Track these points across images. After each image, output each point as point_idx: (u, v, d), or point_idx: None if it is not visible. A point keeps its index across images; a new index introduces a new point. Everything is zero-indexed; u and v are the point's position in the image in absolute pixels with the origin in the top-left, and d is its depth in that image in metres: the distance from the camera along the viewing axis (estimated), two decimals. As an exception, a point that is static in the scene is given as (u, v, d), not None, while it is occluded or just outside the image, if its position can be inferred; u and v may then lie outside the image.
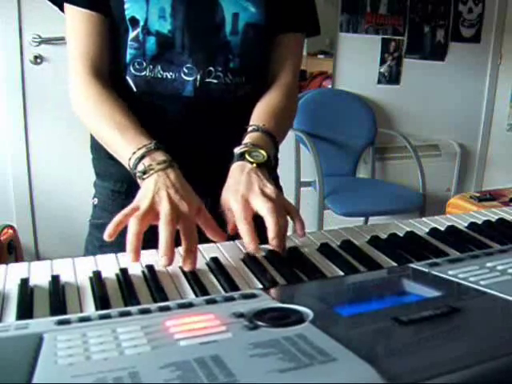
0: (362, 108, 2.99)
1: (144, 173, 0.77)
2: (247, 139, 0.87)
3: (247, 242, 0.70)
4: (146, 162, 0.78)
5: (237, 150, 0.84)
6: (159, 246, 0.67)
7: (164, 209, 0.70)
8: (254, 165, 0.81)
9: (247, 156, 0.82)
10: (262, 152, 0.83)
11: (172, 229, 0.68)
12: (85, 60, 0.90)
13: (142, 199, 0.73)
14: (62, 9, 0.93)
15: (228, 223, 0.77)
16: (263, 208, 0.73)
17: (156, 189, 0.73)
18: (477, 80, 3.36)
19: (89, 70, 0.90)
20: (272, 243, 0.71)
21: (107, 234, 0.68)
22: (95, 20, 0.90)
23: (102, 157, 0.98)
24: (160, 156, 0.79)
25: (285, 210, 0.77)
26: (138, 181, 0.78)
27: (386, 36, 3.04)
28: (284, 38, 1.00)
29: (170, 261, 0.66)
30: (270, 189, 0.77)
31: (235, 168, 0.82)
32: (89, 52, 0.90)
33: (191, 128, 0.95)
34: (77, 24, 0.91)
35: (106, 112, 0.86)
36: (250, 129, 0.90)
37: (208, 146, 0.96)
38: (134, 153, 0.79)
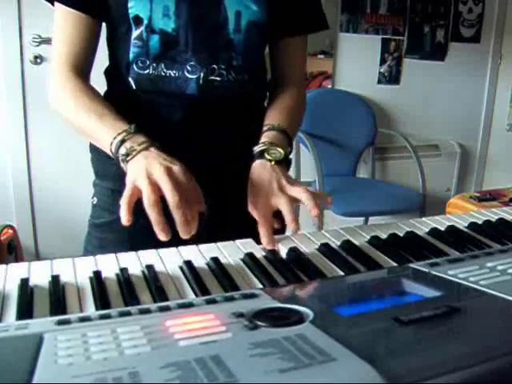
0: (362, 108, 2.99)
1: (127, 155, 0.79)
2: (264, 138, 0.91)
3: (265, 243, 0.77)
4: (128, 144, 0.80)
5: (256, 149, 0.89)
6: (179, 227, 0.70)
7: (162, 179, 0.72)
8: (273, 162, 0.86)
9: (266, 154, 0.87)
10: (280, 150, 0.88)
11: (178, 193, 0.71)
12: (65, 58, 0.91)
13: (136, 178, 0.74)
14: (53, 4, 0.93)
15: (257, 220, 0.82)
16: (280, 200, 0.80)
17: (145, 164, 0.75)
18: (477, 80, 3.36)
19: (69, 68, 0.91)
20: (290, 226, 0.78)
21: (126, 220, 0.70)
22: (81, 20, 0.90)
23: (100, 156, 0.98)
24: (140, 138, 0.81)
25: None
26: (122, 164, 0.80)
27: (386, 36, 3.04)
28: (292, 40, 1.01)
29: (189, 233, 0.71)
30: (287, 183, 0.83)
31: (256, 166, 0.87)
32: (71, 51, 0.91)
33: (194, 126, 0.95)
34: (63, 23, 0.91)
35: (83, 101, 0.88)
36: (265, 128, 0.94)
37: (211, 144, 0.96)
38: (115, 138, 0.81)
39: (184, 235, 0.71)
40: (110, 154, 0.83)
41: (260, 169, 0.86)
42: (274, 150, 0.88)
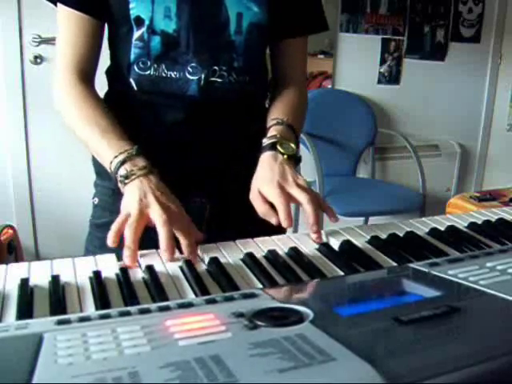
0: (362, 108, 2.99)
1: (126, 177, 0.79)
2: (274, 131, 0.90)
3: (283, 218, 0.76)
4: (128, 167, 0.80)
5: (266, 141, 0.88)
6: (160, 244, 0.70)
7: (156, 211, 0.73)
8: (285, 156, 0.85)
9: (279, 147, 0.86)
10: (292, 145, 0.88)
11: (169, 227, 0.72)
12: (69, 59, 0.91)
13: (130, 205, 0.75)
14: (56, 5, 0.93)
15: (258, 210, 0.81)
16: (301, 197, 0.78)
17: (142, 193, 0.76)
18: (477, 80, 3.36)
19: (73, 70, 0.91)
20: (312, 229, 0.76)
21: (111, 242, 0.72)
22: (84, 22, 0.90)
23: None
24: (141, 162, 0.80)
25: None
26: (120, 185, 0.80)
27: (385, 36, 3.04)
28: (293, 41, 1.02)
29: (172, 255, 0.70)
30: (302, 180, 0.82)
31: (267, 157, 0.85)
32: (74, 52, 0.91)
33: (194, 127, 0.95)
34: (66, 23, 0.91)
35: (86, 112, 0.88)
36: (273, 122, 0.93)
37: (212, 144, 0.97)
38: (116, 157, 0.81)
39: (164, 254, 0.70)
40: (109, 172, 0.83)
41: (272, 159, 0.85)
42: (286, 144, 0.87)
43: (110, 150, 0.82)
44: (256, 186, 0.83)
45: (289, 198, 0.79)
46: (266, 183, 0.82)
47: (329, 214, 0.83)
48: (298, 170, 0.86)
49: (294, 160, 0.87)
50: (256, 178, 0.84)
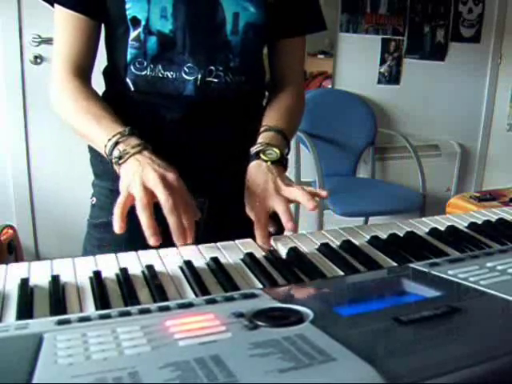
0: (362, 108, 2.99)
1: (120, 158, 0.79)
2: (261, 139, 0.91)
3: (258, 234, 0.77)
4: (121, 147, 0.80)
5: (252, 150, 0.89)
6: (173, 234, 0.71)
7: (157, 186, 0.73)
8: (269, 163, 0.86)
9: (262, 155, 0.87)
10: (276, 150, 0.88)
11: (177, 213, 0.72)
12: (66, 59, 0.92)
13: (130, 184, 0.75)
14: (53, 6, 0.93)
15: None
16: (277, 207, 0.79)
17: (139, 169, 0.76)
18: (477, 80, 3.36)
19: (69, 69, 0.92)
20: (287, 226, 0.77)
21: (118, 228, 0.71)
22: (81, 22, 0.91)
23: (99, 156, 0.98)
24: (134, 140, 0.81)
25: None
26: (115, 167, 0.80)
27: (386, 36, 3.04)
28: (290, 41, 1.02)
29: (186, 240, 0.72)
30: (283, 184, 0.83)
31: (252, 167, 0.87)
32: (71, 52, 0.92)
33: (191, 127, 0.95)
34: (63, 24, 0.91)
35: (82, 105, 0.88)
36: (262, 128, 0.94)
37: (210, 144, 0.97)
38: (109, 139, 0.82)
39: (178, 241, 0.71)
40: (105, 156, 0.83)
41: (256, 169, 0.86)
42: (270, 150, 0.88)
43: (103, 134, 0.83)
44: (245, 199, 0.84)
45: (267, 207, 0.80)
46: (251, 195, 0.83)
47: (320, 195, 0.83)
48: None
49: (282, 164, 0.88)
50: (245, 192, 0.85)
